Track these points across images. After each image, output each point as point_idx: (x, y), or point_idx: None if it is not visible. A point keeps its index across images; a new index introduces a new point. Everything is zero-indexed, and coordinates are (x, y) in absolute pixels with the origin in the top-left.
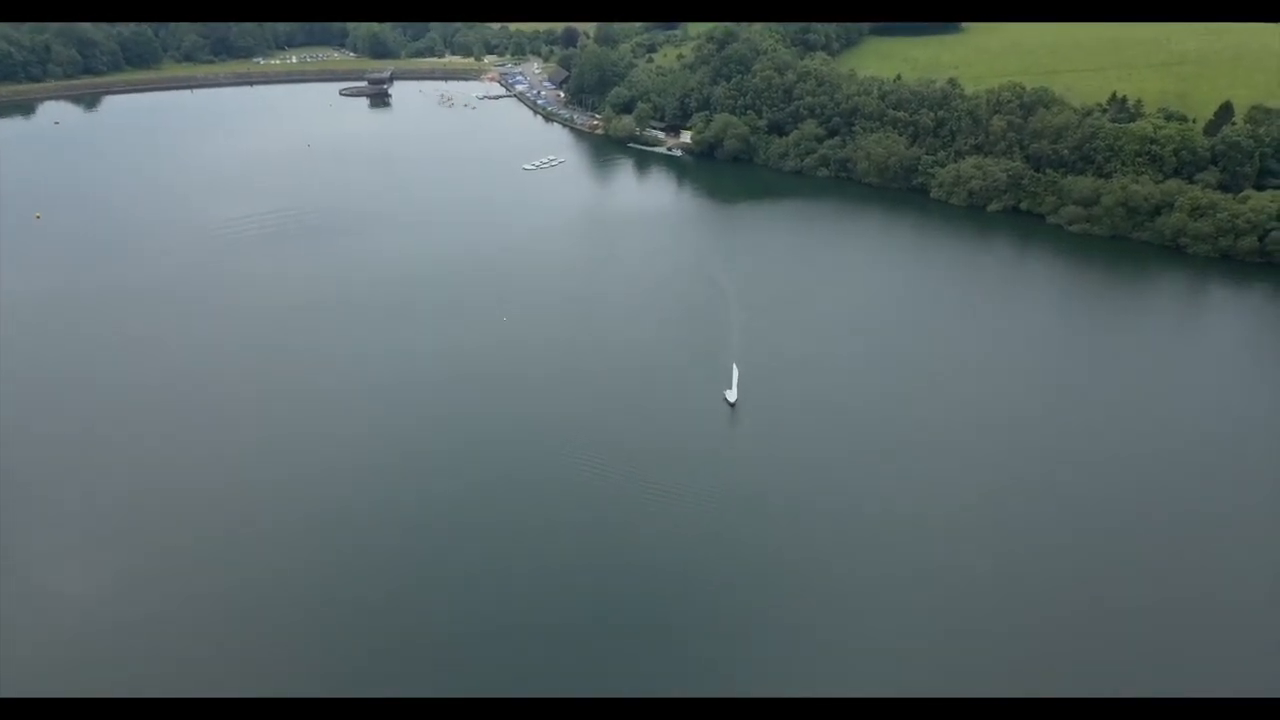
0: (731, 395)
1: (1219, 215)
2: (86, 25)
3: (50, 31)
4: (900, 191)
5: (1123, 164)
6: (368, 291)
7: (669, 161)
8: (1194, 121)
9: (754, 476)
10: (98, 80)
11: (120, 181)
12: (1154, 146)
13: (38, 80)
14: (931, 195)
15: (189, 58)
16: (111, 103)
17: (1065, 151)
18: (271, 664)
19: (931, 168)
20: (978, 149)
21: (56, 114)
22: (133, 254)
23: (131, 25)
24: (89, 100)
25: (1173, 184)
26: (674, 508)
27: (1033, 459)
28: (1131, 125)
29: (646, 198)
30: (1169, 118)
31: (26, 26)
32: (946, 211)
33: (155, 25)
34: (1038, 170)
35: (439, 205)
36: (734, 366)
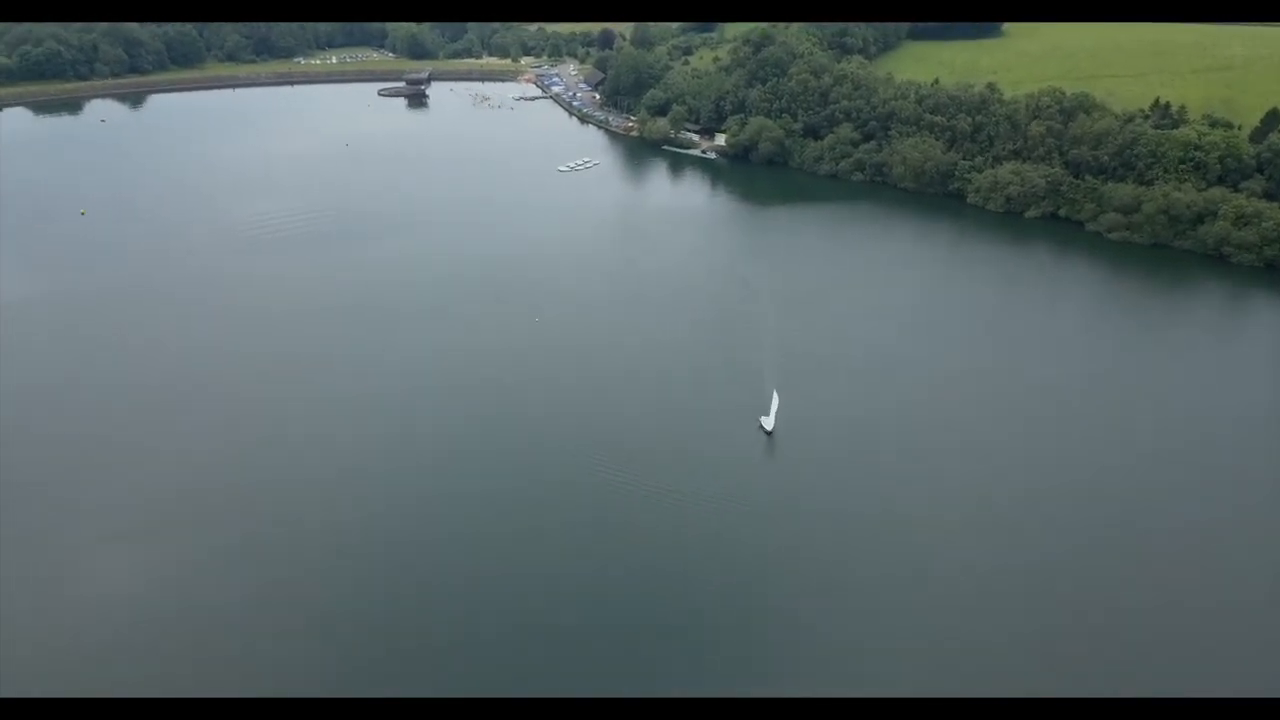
0: (769, 423)
1: (1264, 224)
2: (133, 25)
3: (98, 31)
4: (936, 196)
5: (1165, 171)
6: (401, 292)
7: (703, 164)
8: (1239, 128)
9: (780, 480)
10: (143, 79)
11: (161, 178)
12: (1198, 153)
13: (85, 79)
14: (968, 200)
15: (232, 57)
16: (156, 101)
17: (1105, 158)
18: (272, 664)
19: (968, 173)
20: (1016, 154)
21: (103, 112)
22: (176, 253)
23: (176, 25)
24: (134, 98)
25: (1216, 192)
26: (697, 514)
27: (1052, 467)
28: (1174, 132)
29: (681, 200)
30: (1213, 124)
31: (76, 26)
32: (983, 217)
33: (199, 25)
34: (1077, 177)
35: (474, 206)
36: (774, 394)
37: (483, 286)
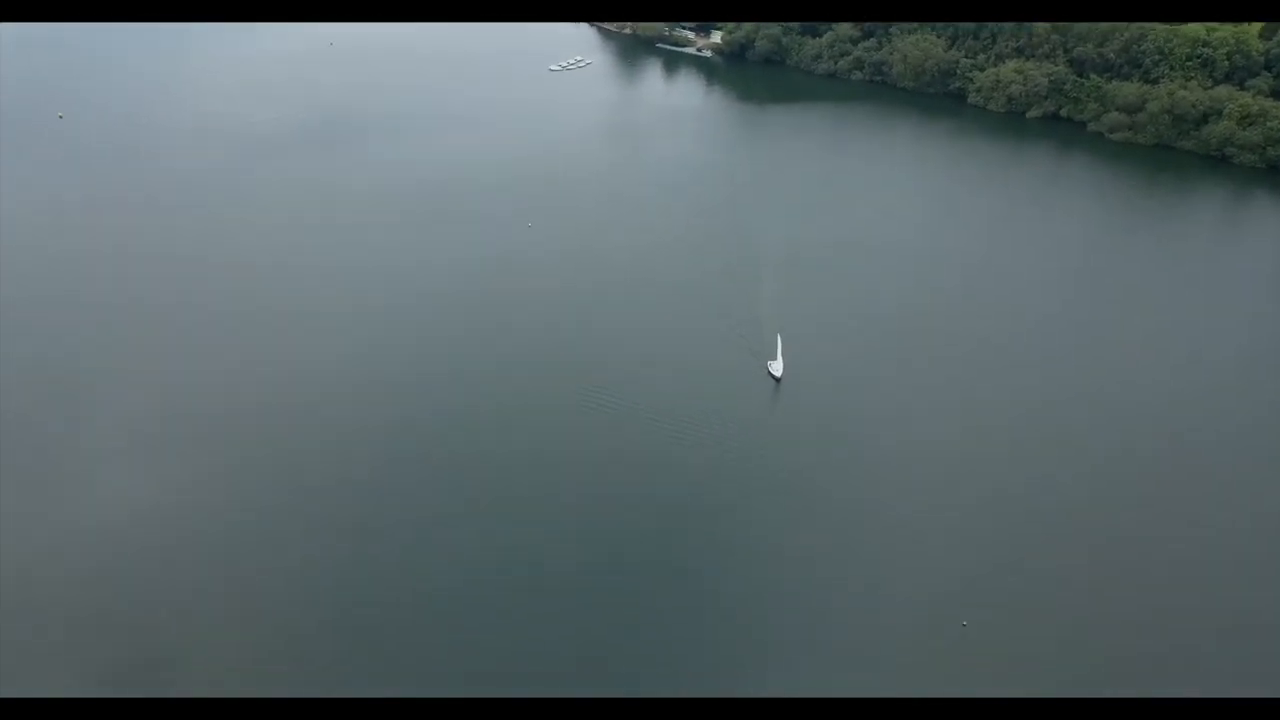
0: (777, 368)
1: (1269, 124)
2: None
3: None
4: (936, 96)
5: (1171, 69)
6: (389, 198)
7: (698, 63)
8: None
9: (780, 434)
10: None
11: (144, 81)
12: (1206, 49)
13: None
14: (969, 100)
15: None
16: None
17: (1111, 55)
18: (271, 664)
19: (970, 71)
20: (1019, 52)
21: None
22: (157, 156)
23: None
24: None
25: (1222, 90)
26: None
27: (1050, 458)
28: (1183, 26)
29: (675, 100)
30: None
31: None
32: (984, 118)
33: None
34: (1081, 75)
35: (463, 107)
36: (778, 338)
37: (474, 191)
